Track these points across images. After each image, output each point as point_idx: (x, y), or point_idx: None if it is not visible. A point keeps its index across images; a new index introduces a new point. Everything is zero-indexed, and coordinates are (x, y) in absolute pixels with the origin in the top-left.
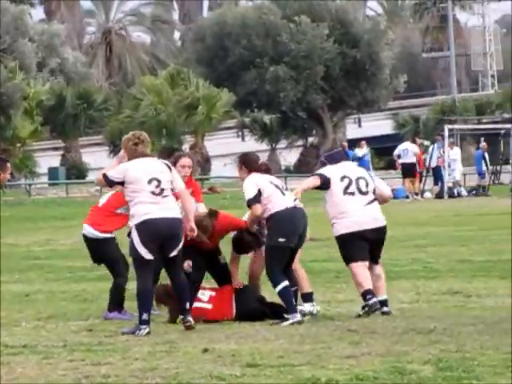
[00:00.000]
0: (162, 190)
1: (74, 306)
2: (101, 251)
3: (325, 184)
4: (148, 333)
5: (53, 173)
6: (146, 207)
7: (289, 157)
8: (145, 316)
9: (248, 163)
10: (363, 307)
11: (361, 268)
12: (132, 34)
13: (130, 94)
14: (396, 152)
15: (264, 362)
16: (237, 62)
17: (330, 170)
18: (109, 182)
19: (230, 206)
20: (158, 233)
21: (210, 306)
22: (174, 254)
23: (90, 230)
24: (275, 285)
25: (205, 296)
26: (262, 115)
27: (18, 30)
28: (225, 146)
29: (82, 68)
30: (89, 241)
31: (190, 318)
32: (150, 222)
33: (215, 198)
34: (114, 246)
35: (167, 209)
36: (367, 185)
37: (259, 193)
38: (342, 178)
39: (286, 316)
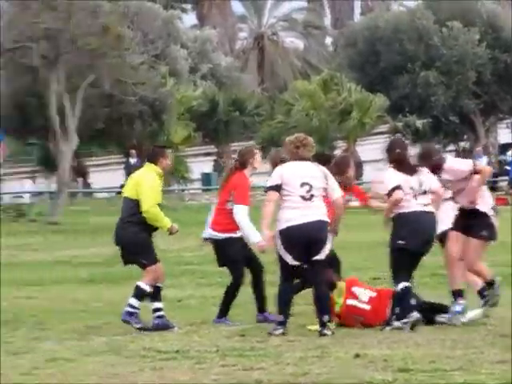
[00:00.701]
0: (312, 195)
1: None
2: (222, 251)
3: None
4: (282, 333)
5: (206, 178)
6: (290, 213)
7: None
8: (281, 318)
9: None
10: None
11: None
12: (284, 40)
13: (283, 100)
14: None
15: (416, 366)
16: (389, 67)
17: None
18: (272, 189)
19: None
20: (301, 237)
21: (368, 307)
22: (318, 257)
23: (209, 232)
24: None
25: (365, 296)
26: (414, 120)
27: (170, 35)
28: (377, 151)
29: (234, 73)
30: (213, 243)
31: (326, 332)
32: (292, 229)
33: None
34: (235, 245)
35: (312, 214)
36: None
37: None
38: None
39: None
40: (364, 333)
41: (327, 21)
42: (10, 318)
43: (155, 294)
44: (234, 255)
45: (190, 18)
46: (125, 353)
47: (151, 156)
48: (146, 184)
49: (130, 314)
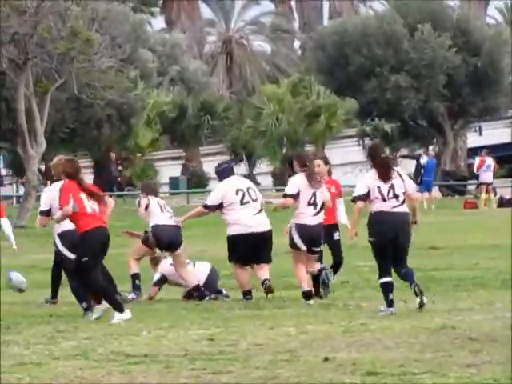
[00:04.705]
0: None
1: (195, 315)
2: None
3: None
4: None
5: (174, 182)
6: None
7: (410, 165)
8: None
9: None
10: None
11: (240, 270)
12: (253, 43)
13: (251, 104)
14: None
15: (384, 370)
16: (357, 71)
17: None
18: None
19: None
20: None
21: None
22: None
23: None
24: None
25: None
26: (383, 124)
27: (138, 39)
28: (345, 154)
29: (202, 77)
30: None
31: None
32: None
33: None
34: None
35: None
36: (255, 193)
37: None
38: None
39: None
40: (332, 336)
41: (295, 24)
42: None
43: None
44: None
45: (158, 22)
46: (93, 356)
47: None
48: None
49: None
